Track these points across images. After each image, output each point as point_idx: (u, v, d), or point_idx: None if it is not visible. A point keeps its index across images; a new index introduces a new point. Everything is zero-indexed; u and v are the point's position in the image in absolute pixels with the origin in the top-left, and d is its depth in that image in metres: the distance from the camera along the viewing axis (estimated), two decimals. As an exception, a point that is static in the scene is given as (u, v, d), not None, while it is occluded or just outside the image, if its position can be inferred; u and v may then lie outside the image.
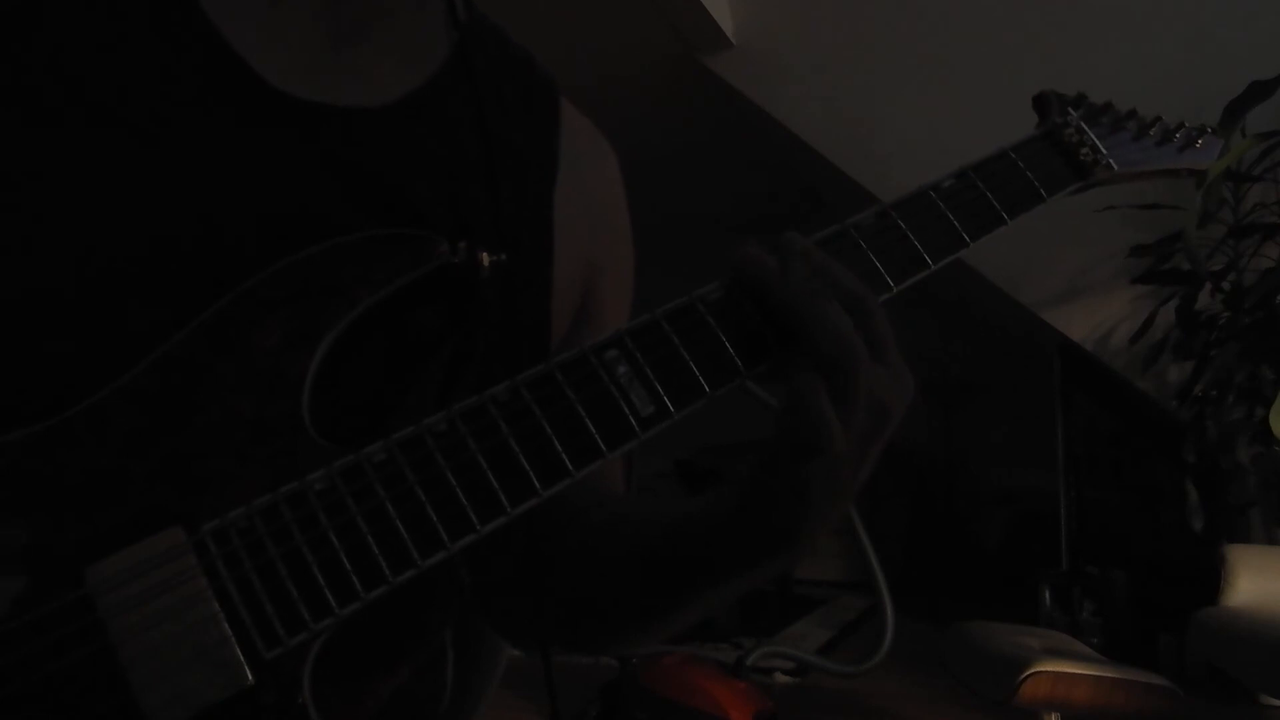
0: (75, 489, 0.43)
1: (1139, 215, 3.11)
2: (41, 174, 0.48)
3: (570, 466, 0.46)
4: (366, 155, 0.55)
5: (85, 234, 0.48)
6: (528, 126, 0.63)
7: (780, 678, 3.50)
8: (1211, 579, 2.71)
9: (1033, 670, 2.17)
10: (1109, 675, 2.22)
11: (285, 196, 0.52)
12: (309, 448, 0.45)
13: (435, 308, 0.53)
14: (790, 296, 0.47)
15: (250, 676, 0.41)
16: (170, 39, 0.52)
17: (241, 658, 0.41)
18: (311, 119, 0.53)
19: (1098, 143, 0.64)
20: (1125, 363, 3.54)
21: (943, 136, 2.57)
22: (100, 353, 0.47)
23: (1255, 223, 3.20)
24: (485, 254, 0.51)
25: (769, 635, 3.96)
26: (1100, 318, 3.59)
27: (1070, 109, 0.65)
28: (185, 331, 0.47)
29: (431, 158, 0.57)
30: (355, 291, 0.48)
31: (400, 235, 0.50)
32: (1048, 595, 3.67)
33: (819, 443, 0.45)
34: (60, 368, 0.47)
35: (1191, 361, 3.27)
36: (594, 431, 0.46)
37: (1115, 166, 0.64)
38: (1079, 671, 2.20)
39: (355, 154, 0.54)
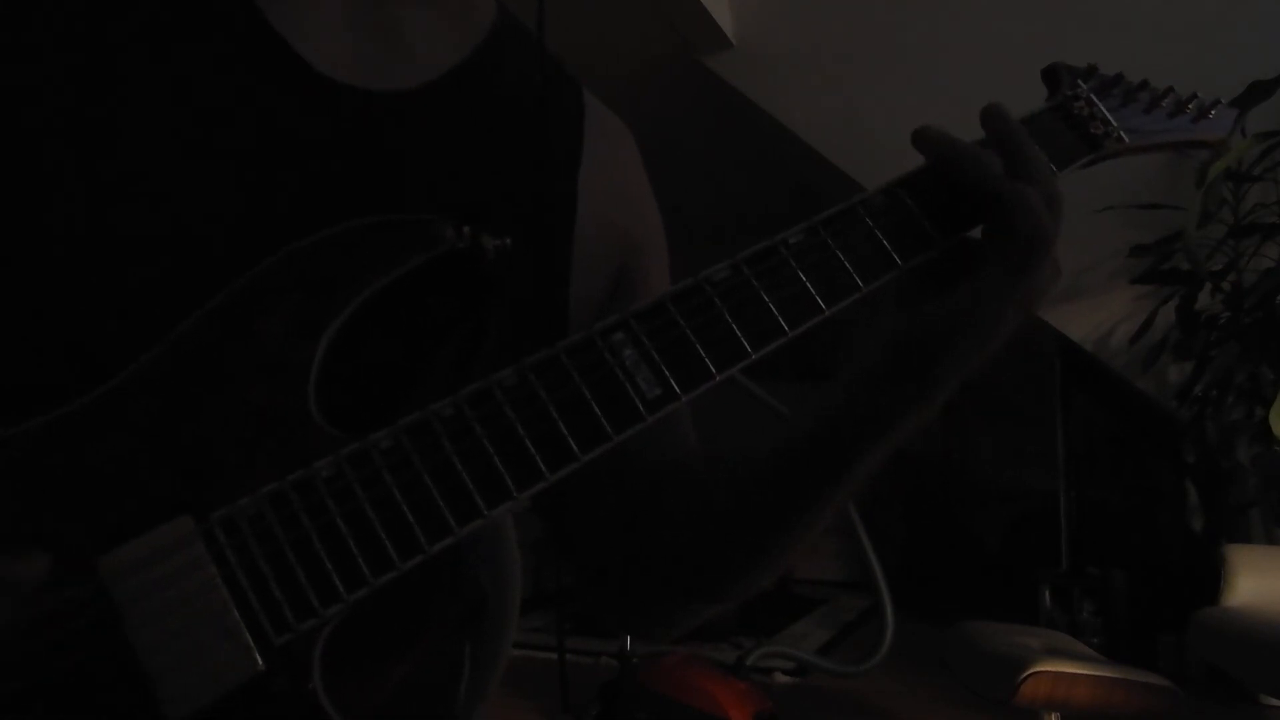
0: (87, 479, 0.44)
1: (1139, 215, 3.11)
2: (67, 158, 0.49)
3: (576, 450, 0.46)
4: (394, 139, 0.56)
5: (106, 217, 0.49)
6: (553, 114, 0.64)
7: (780, 678, 3.50)
8: (1211, 579, 2.71)
9: (1033, 670, 2.17)
10: (1109, 675, 2.22)
11: (312, 180, 0.53)
12: (317, 436, 0.46)
13: (443, 294, 0.53)
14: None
15: (261, 662, 0.42)
16: (217, 23, 0.53)
17: (252, 644, 0.42)
18: (346, 103, 0.55)
19: (1108, 115, 0.63)
20: (1125, 363, 3.53)
21: (943, 136, 2.56)
22: (112, 341, 0.47)
23: (1255, 223, 3.20)
24: (489, 239, 0.51)
25: (769, 635, 3.95)
26: (1100, 318, 3.59)
27: (1080, 81, 0.64)
28: (195, 318, 0.47)
29: (456, 140, 0.58)
30: (360, 277, 0.49)
31: (406, 221, 0.51)
32: (1048, 595, 3.66)
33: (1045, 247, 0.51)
34: (72, 358, 0.47)
35: (1191, 361, 3.27)
36: (600, 415, 0.47)
37: (1127, 139, 0.63)
38: (1079, 671, 2.20)
39: (384, 138, 0.55)
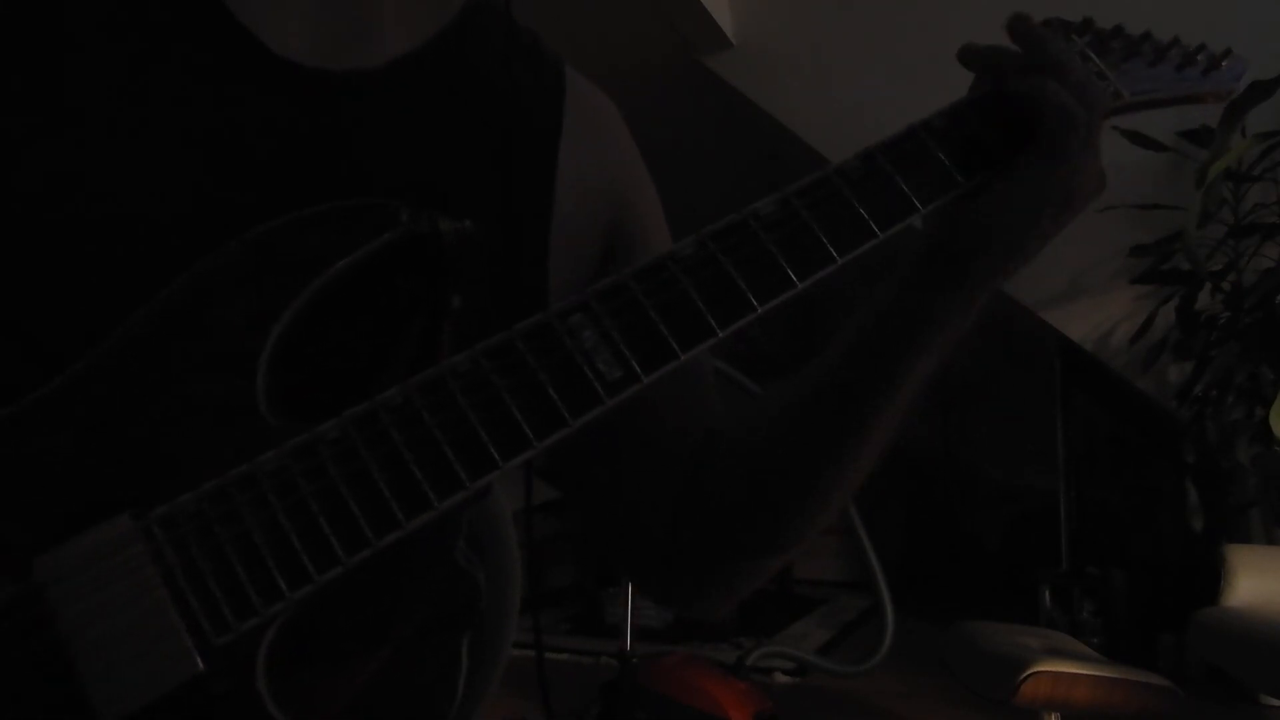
0: (30, 477, 0.43)
1: (1139, 215, 3.11)
2: (18, 142, 0.48)
3: (531, 437, 0.44)
4: (354, 119, 0.55)
5: (58, 204, 0.48)
6: (531, 90, 0.62)
7: (780, 678, 3.49)
8: (1211, 579, 2.70)
9: (1033, 670, 2.16)
10: (1109, 675, 2.21)
11: (268, 164, 0.52)
12: (265, 429, 0.45)
13: (403, 279, 0.51)
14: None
15: (200, 664, 0.40)
16: (170, 8, 0.53)
17: (191, 645, 0.40)
18: (303, 84, 0.54)
19: (1105, 70, 0.60)
20: (1125, 363, 3.53)
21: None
22: (67, 332, 0.47)
23: (1255, 223, 3.19)
24: (446, 222, 0.50)
25: (769, 635, 3.95)
26: (1100, 318, 3.58)
27: (1075, 36, 0.61)
28: (144, 310, 0.46)
29: (422, 118, 0.57)
30: (313, 264, 0.47)
31: (360, 205, 0.49)
32: (1048, 595, 3.66)
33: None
34: (27, 351, 0.47)
35: (1191, 361, 3.27)
36: (556, 399, 0.45)
37: (1126, 94, 0.60)
38: (1079, 671, 2.19)
39: (343, 118, 0.54)
